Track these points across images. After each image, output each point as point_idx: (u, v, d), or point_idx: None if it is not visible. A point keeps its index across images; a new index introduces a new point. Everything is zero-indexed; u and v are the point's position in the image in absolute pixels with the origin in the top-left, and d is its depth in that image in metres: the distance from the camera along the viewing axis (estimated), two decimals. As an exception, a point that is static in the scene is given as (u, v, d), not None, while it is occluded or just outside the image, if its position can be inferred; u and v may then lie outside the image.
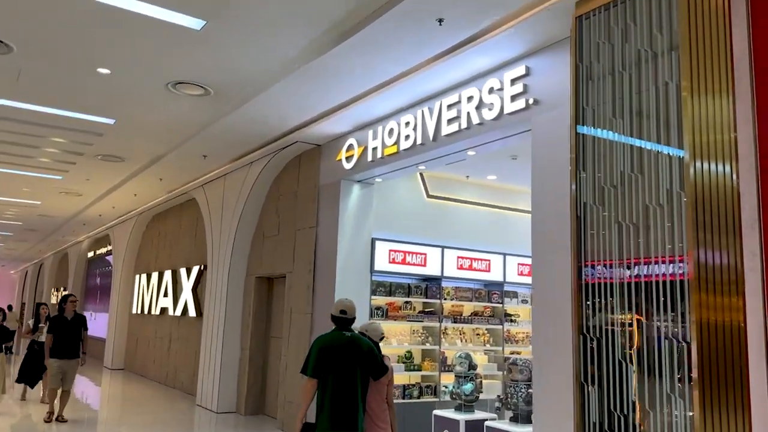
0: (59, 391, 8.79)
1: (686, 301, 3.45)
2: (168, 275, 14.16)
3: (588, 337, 3.97)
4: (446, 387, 8.20)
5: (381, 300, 8.46)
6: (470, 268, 9.24)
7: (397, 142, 7.01)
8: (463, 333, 9.30)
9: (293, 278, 8.95)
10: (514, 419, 6.06)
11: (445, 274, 8.94)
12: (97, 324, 19.29)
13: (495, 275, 9.49)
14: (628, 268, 3.80)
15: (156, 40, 5.92)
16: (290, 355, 8.76)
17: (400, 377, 8.40)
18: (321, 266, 8.26)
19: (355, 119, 7.57)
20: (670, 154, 3.67)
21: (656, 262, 3.66)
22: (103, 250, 20.61)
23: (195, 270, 12.52)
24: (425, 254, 8.83)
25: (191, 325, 12.62)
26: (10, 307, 20.56)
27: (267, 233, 10.02)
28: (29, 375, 10.53)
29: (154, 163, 10.84)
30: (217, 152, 9.86)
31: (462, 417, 6.63)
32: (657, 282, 3.63)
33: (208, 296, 11.29)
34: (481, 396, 7.14)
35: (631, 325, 3.75)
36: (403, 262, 8.59)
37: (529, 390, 5.91)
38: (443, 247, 9.00)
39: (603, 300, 3.92)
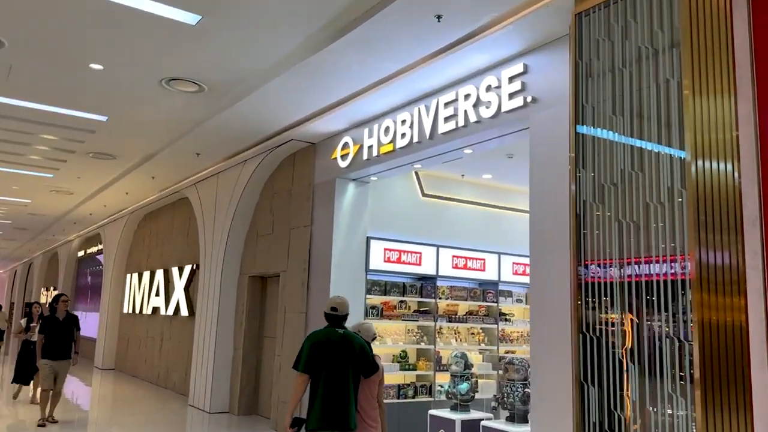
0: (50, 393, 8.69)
1: (687, 300, 3.43)
2: (160, 274, 14.05)
3: (587, 336, 3.95)
4: (441, 386, 8.16)
5: (376, 299, 8.42)
6: (465, 267, 9.22)
7: (393, 140, 6.96)
8: (458, 332, 9.28)
9: (287, 277, 8.88)
10: (511, 419, 6.04)
11: (440, 274, 8.93)
12: (88, 323, 19.10)
13: (490, 274, 9.48)
14: (629, 266, 3.77)
15: (150, 35, 5.84)
16: (284, 355, 8.69)
17: (396, 377, 8.37)
18: (315, 265, 8.21)
19: (350, 117, 7.52)
20: (671, 153, 3.65)
21: (657, 261, 3.63)
22: (94, 249, 20.45)
23: (187, 269, 12.42)
24: (420, 253, 8.80)
25: (183, 324, 12.53)
26: (-1, 307, 20.40)
27: (261, 232, 9.95)
28: (24, 374, 10.53)
29: (146, 161, 10.73)
30: (211, 150, 9.77)
31: (458, 417, 6.59)
32: (658, 281, 3.61)
33: (201, 295, 11.20)
34: (477, 395, 7.11)
35: (631, 324, 3.73)
36: (398, 261, 8.56)
37: (526, 389, 5.89)
38: (438, 246, 8.98)
39: (603, 299, 3.90)
